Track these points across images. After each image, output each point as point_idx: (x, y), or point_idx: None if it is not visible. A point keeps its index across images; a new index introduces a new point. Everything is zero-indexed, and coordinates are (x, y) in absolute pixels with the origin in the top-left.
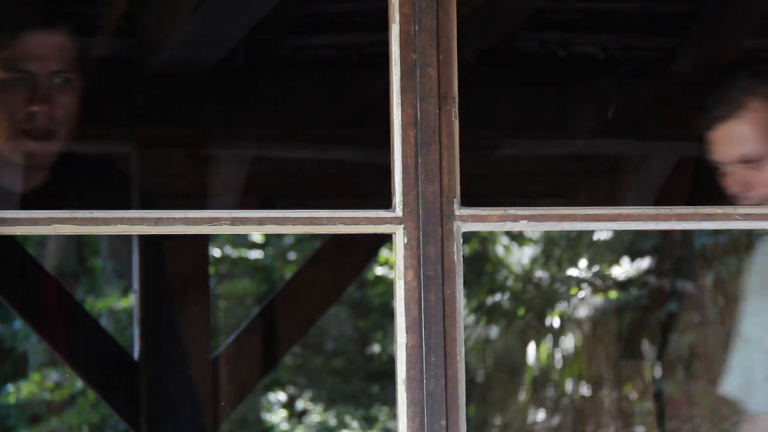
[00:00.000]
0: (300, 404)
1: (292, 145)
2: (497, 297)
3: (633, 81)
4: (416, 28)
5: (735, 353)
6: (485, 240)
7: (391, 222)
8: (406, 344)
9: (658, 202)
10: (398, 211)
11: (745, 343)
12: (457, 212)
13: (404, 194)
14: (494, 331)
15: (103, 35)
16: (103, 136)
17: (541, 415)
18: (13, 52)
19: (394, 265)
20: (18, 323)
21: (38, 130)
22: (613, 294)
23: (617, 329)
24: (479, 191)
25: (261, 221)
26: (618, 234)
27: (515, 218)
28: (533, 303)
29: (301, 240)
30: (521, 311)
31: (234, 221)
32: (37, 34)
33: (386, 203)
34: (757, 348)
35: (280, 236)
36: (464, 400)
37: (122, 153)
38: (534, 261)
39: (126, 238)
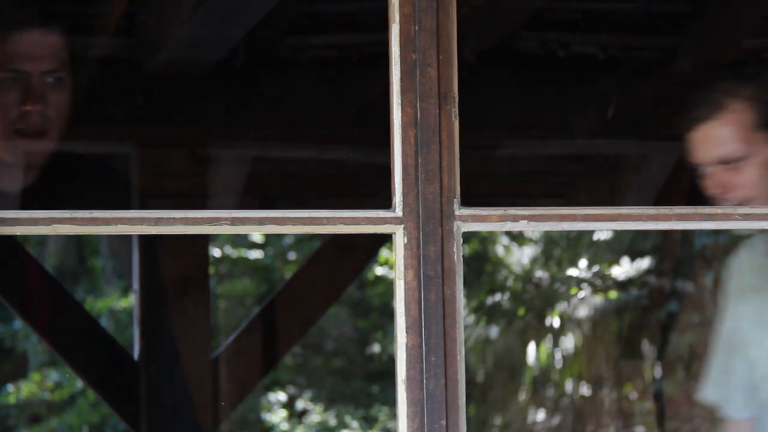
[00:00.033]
0: (300, 404)
1: (292, 145)
2: (497, 297)
3: (633, 81)
4: (416, 28)
5: (714, 358)
6: (485, 240)
7: (391, 222)
8: (406, 344)
9: (658, 202)
10: (398, 211)
11: (724, 348)
12: (457, 212)
13: (404, 194)
14: (494, 331)
15: (103, 35)
16: (103, 136)
17: (541, 415)
18: (6, 51)
19: (394, 265)
20: (18, 323)
21: (31, 130)
22: (613, 294)
23: (617, 329)
24: (479, 191)
25: (261, 221)
26: (618, 234)
27: (515, 218)
28: (533, 303)
29: (301, 240)
30: (521, 311)
31: (234, 221)
32: (30, 34)
33: (386, 203)
34: (737, 353)
35: (280, 236)
36: (464, 400)
37: (122, 153)
38: (534, 261)
39: (126, 238)
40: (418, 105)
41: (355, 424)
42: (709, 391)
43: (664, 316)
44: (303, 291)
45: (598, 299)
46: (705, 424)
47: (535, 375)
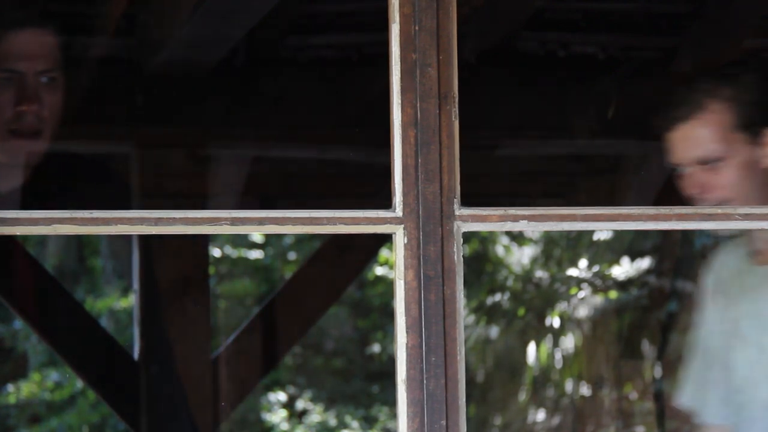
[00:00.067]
0: (300, 404)
1: (292, 145)
2: (497, 297)
3: (633, 81)
4: (416, 28)
5: (691, 364)
6: (485, 240)
7: (391, 222)
8: (406, 344)
9: (658, 202)
10: (398, 211)
11: (702, 354)
12: (457, 212)
13: (404, 194)
14: (494, 331)
15: (103, 35)
16: (103, 136)
17: (541, 415)
18: (1, 51)
19: (394, 265)
20: (18, 323)
21: (26, 130)
22: (613, 294)
23: (617, 329)
24: (479, 191)
25: (261, 221)
26: (618, 234)
27: (515, 218)
28: (533, 303)
29: (301, 240)
30: (521, 311)
31: (234, 221)
32: (24, 34)
33: (386, 203)
34: (714, 358)
35: (280, 236)
36: (464, 400)
37: (122, 153)
38: (534, 261)
39: (126, 238)
40: (418, 105)
41: (355, 424)
42: (685, 397)
43: (664, 316)
44: (303, 291)
45: (598, 299)
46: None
47: (535, 375)
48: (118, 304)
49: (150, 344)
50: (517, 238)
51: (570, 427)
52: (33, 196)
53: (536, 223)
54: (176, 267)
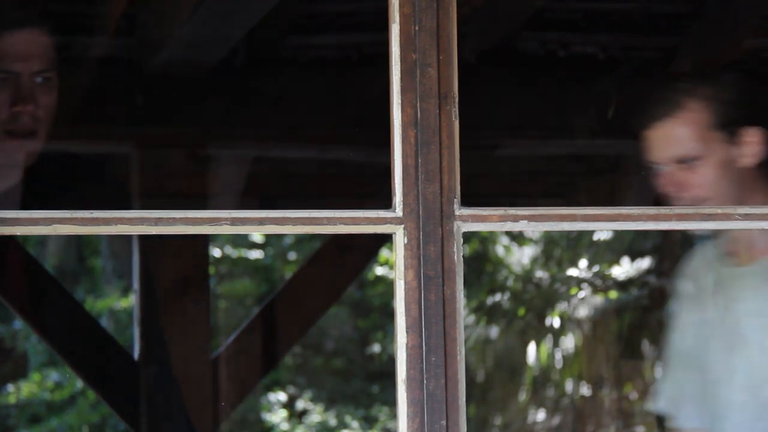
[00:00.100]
0: (300, 404)
1: (292, 145)
2: (497, 297)
3: (633, 81)
4: (416, 28)
5: (666, 368)
6: (485, 240)
7: (391, 222)
8: (406, 344)
9: (658, 202)
10: (398, 211)
11: (676, 357)
12: (457, 212)
13: (404, 194)
14: (494, 331)
15: (103, 35)
16: (103, 136)
17: (541, 415)
18: None
19: (394, 265)
20: (18, 323)
21: (22, 130)
22: (613, 294)
23: (617, 329)
24: (479, 191)
25: (261, 221)
26: (618, 234)
27: (515, 218)
28: (533, 303)
29: (301, 240)
30: (521, 311)
31: (234, 221)
32: (19, 34)
33: (386, 203)
34: (689, 362)
35: (280, 236)
36: (464, 400)
37: (122, 153)
38: (534, 261)
39: (126, 238)
40: (418, 105)
41: (355, 424)
42: (661, 402)
43: (664, 316)
44: (303, 291)
45: (598, 299)
46: None
47: (535, 375)
48: (118, 304)
49: (149, 344)
50: (517, 238)
51: (570, 427)
52: (28, 196)
53: (536, 223)
54: (176, 267)
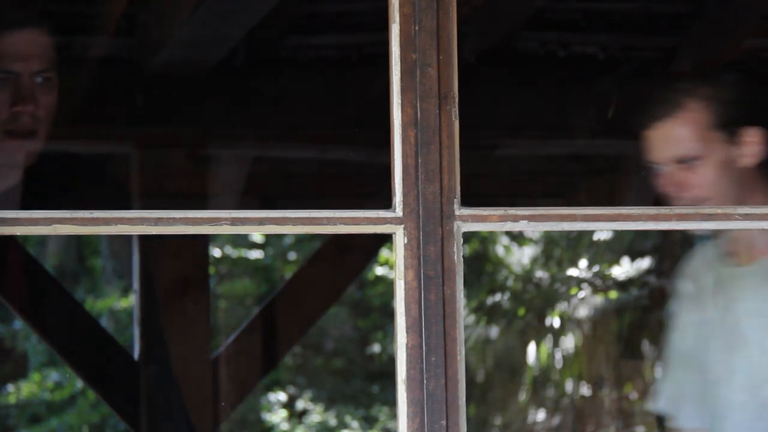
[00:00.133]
0: (300, 404)
1: (292, 145)
2: (497, 297)
3: (633, 81)
4: (416, 28)
5: (666, 368)
6: (485, 240)
7: (391, 222)
8: (406, 344)
9: (658, 202)
10: (398, 211)
11: (676, 357)
12: (457, 212)
13: (404, 194)
14: (494, 331)
15: (103, 35)
16: (103, 136)
17: (541, 415)
18: None
19: (394, 265)
20: (18, 323)
21: (22, 130)
22: (613, 294)
23: (617, 329)
24: (479, 191)
25: (261, 221)
26: (618, 234)
27: (515, 218)
28: (533, 303)
29: (301, 240)
30: (521, 311)
31: (234, 221)
32: (19, 34)
33: (386, 203)
34: (688, 362)
35: (280, 236)
36: (464, 400)
37: (122, 153)
38: (534, 261)
39: (126, 238)
40: (418, 105)
41: (355, 424)
42: (661, 402)
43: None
44: (303, 291)
45: (598, 299)
46: None
47: (535, 375)
48: (118, 304)
49: (149, 344)
50: (517, 238)
51: (570, 427)
52: (28, 196)
53: (536, 223)
54: (176, 267)
